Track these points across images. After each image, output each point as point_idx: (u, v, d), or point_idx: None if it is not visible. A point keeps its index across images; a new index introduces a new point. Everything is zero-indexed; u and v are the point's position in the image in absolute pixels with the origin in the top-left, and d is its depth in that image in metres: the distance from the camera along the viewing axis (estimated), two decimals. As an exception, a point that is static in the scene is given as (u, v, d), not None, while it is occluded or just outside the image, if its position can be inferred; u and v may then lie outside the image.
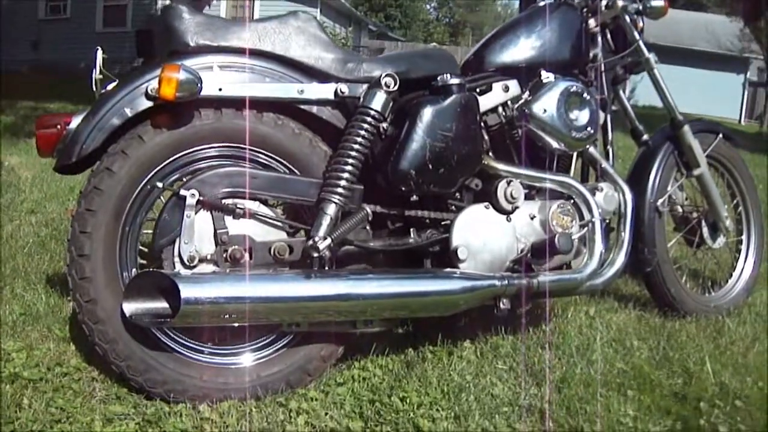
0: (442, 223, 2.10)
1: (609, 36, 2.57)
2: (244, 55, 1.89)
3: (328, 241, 1.83)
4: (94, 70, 1.97)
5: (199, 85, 1.76)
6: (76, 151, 1.79)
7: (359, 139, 1.90)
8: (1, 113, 7.92)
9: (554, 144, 2.19)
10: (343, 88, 1.96)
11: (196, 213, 1.81)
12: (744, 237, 2.93)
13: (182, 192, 1.80)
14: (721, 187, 2.87)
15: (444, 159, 1.97)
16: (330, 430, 1.76)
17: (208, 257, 1.84)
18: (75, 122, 1.86)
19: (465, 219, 2.07)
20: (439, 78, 2.02)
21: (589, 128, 2.22)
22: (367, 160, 1.95)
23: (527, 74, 2.25)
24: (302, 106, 1.95)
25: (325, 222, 1.85)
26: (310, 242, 1.83)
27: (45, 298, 2.48)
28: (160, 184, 1.83)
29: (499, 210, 2.12)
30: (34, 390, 1.85)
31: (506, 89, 2.21)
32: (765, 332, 2.56)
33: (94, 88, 1.96)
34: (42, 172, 4.84)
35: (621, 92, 2.70)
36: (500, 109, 2.22)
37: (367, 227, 2.00)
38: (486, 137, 2.18)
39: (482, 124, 2.15)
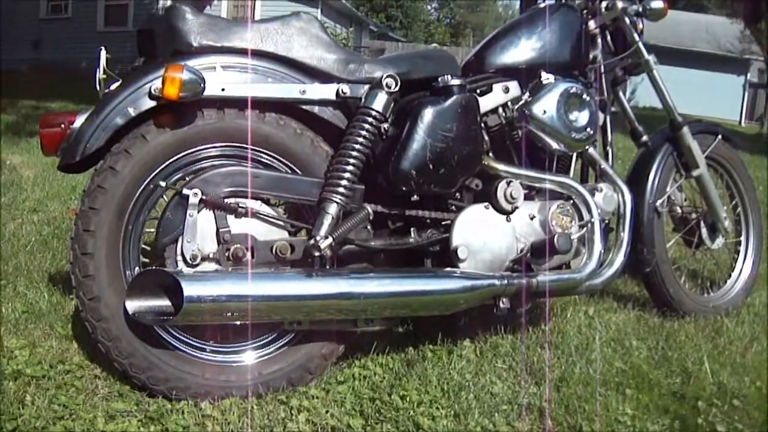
0: (443, 222, 2.11)
1: (609, 37, 2.58)
2: (247, 56, 1.90)
3: (330, 240, 1.84)
4: (97, 70, 1.98)
5: (202, 85, 1.77)
6: (80, 150, 1.80)
7: (361, 140, 1.91)
8: (2, 112, 7.92)
9: (554, 145, 2.20)
10: (345, 88, 1.97)
11: (198, 212, 1.83)
12: (743, 238, 2.94)
13: (185, 191, 1.81)
14: (720, 188, 2.88)
15: (444, 159, 1.98)
16: (331, 428, 1.77)
17: (211, 256, 1.85)
18: (79, 121, 1.88)
19: (465, 219, 2.09)
20: (440, 79, 2.03)
21: (588, 129, 2.23)
22: (368, 160, 1.96)
23: (527, 75, 2.26)
24: (304, 107, 1.97)
25: (327, 221, 1.86)
26: (312, 241, 1.84)
27: (47, 296, 2.49)
28: (163, 183, 1.84)
29: (499, 210, 2.13)
30: (37, 387, 1.86)
31: (506, 90, 2.22)
32: (763, 332, 2.57)
33: (98, 88, 1.97)
34: (44, 171, 4.85)
35: (621, 93, 2.71)
36: (500, 109, 2.22)
37: (368, 227, 2.01)
38: (486, 138, 2.19)
39: (482, 124, 2.15)
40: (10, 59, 15.16)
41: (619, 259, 2.29)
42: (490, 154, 2.20)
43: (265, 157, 1.93)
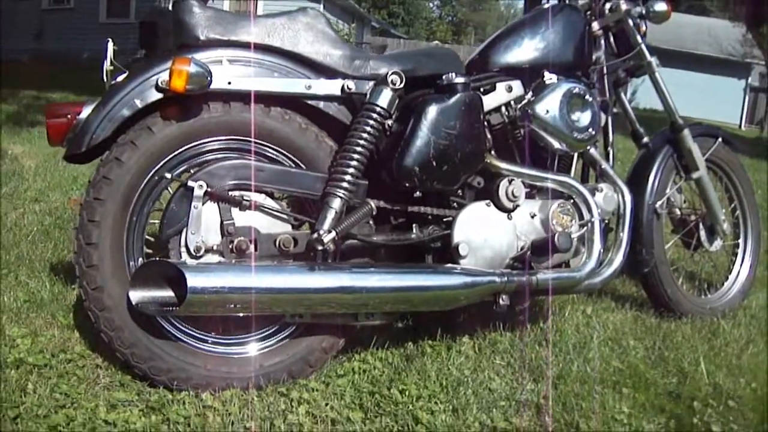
0: (444, 219, 2.13)
1: (612, 39, 2.59)
2: (253, 50, 1.91)
3: (333, 234, 1.86)
4: (105, 61, 1.99)
5: (208, 78, 1.78)
6: (86, 141, 1.81)
7: (365, 135, 1.93)
8: (4, 102, 7.91)
9: (556, 144, 2.22)
10: (350, 84, 1.98)
11: (203, 204, 1.84)
12: (741, 240, 2.95)
13: (190, 183, 1.82)
14: (720, 191, 2.90)
15: (447, 156, 2.00)
16: (330, 420, 1.79)
17: (214, 248, 1.87)
18: (85, 112, 1.89)
19: (467, 216, 2.10)
20: (444, 77, 2.05)
21: (590, 130, 2.24)
22: (372, 156, 1.97)
23: (530, 75, 2.27)
24: (309, 102, 1.98)
25: (330, 216, 1.88)
26: (315, 235, 1.86)
27: (49, 285, 2.51)
28: (168, 175, 1.86)
29: (501, 208, 2.15)
30: (39, 376, 1.87)
31: (509, 89, 2.23)
32: (759, 335, 2.59)
33: (105, 79, 1.98)
34: (45, 161, 4.86)
35: (622, 95, 2.72)
36: (503, 108, 2.23)
37: (371, 222, 2.02)
38: (489, 136, 2.20)
39: (485, 123, 2.17)
40: (12, 49, 15.12)
41: (618, 259, 2.31)
42: (493, 153, 2.21)
43: (270, 150, 1.94)
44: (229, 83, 1.87)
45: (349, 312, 1.95)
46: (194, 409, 1.79)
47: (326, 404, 1.86)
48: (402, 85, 1.97)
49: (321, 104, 1.99)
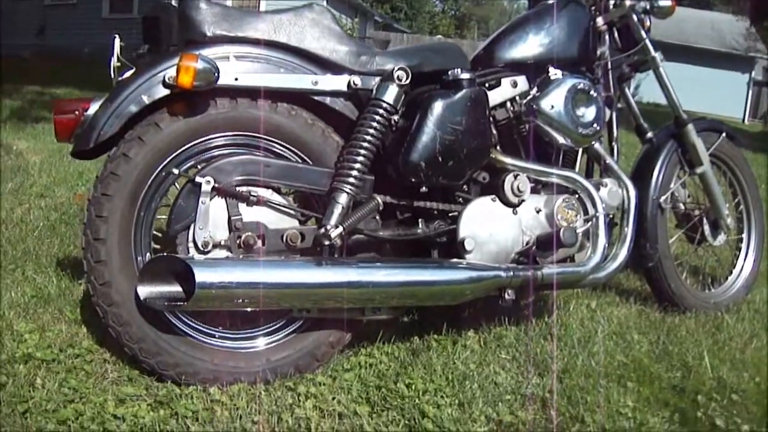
0: (450, 214, 2.13)
1: (616, 34, 2.59)
2: (260, 46, 1.92)
3: (340, 229, 1.87)
4: (111, 58, 2.00)
5: (216, 74, 1.79)
6: (94, 137, 1.82)
7: (371, 131, 1.94)
8: (7, 98, 7.91)
9: (561, 139, 2.22)
10: (356, 80, 1.99)
11: (210, 199, 1.85)
12: (744, 235, 2.95)
13: (197, 179, 1.83)
14: (723, 186, 2.90)
15: (453, 152, 2.00)
16: (338, 414, 1.80)
17: (222, 243, 1.88)
18: (93, 108, 1.90)
19: (472, 211, 2.11)
20: (450, 72, 2.05)
21: (595, 125, 2.25)
22: (378, 152, 1.98)
23: (535, 70, 2.28)
24: (316, 97, 1.98)
25: (337, 211, 1.89)
26: (322, 230, 1.87)
27: (56, 281, 2.52)
28: (175, 171, 1.87)
29: (506, 203, 2.16)
30: (47, 370, 1.89)
31: (515, 85, 2.24)
32: (763, 329, 2.60)
33: (112, 75, 1.99)
34: (50, 156, 4.86)
35: (626, 90, 2.73)
36: (508, 104, 2.24)
37: (377, 217, 2.03)
38: (494, 131, 2.21)
39: (491, 118, 2.17)
40: (14, 45, 15.12)
41: (623, 253, 2.32)
42: (498, 148, 2.22)
43: (277, 146, 1.95)
44: (236, 79, 1.88)
45: (355, 307, 1.96)
46: (202, 404, 1.81)
47: (333, 398, 1.87)
48: (408, 81, 1.97)
49: (327, 100, 2.00)
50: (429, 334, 2.27)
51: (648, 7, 2.57)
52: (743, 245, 2.96)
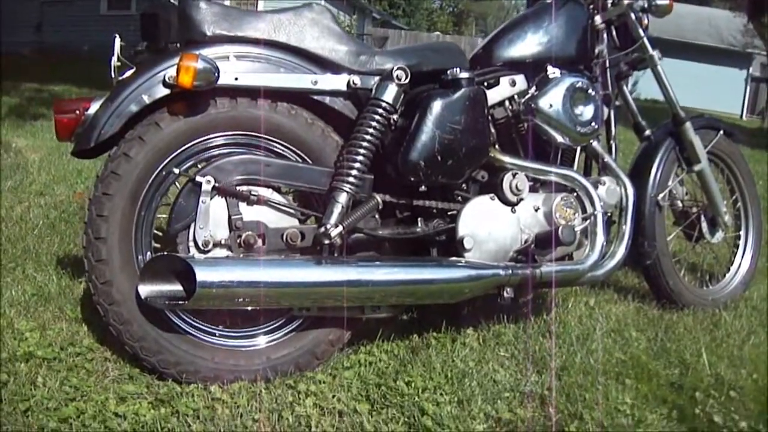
0: (449, 213, 2.14)
1: (614, 32, 2.59)
2: (260, 46, 1.93)
3: (340, 228, 1.88)
4: (112, 57, 2.01)
5: (216, 74, 1.80)
6: (95, 136, 1.82)
7: (370, 130, 1.94)
8: (6, 95, 7.90)
9: (559, 138, 2.23)
10: (356, 79, 2.00)
11: (211, 199, 1.86)
12: (742, 232, 2.97)
13: (198, 178, 1.84)
14: (721, 183, 2.91)
15: (452, 151, 2.01)
16: (337, 412, 1.81)
17: (222, 242, 1.89)
18: (93, 108, 1.91)
19: (471, 209, 2.12)
20: (448, 72, 2.06)
21: (593, 123, 2.26)
22: (377, 151, 1.99)
23: (534, 69, 2.28)
24: (315, 97, 1.99)
25: (337, 210, 1.90)
26: (322, 229, 1.88)
27: (56, 279, 2.52)
28: (176, 170, 1.87)
29: (505, 201, 2.17)
30: (48, 369, 1.89)
31: (513, 84, 2.24)
32: (761, 326, 2.61)
33: (112, 75, 1.99)
34: (49, 154, 4.85)
35: (624, 88, 2.73)
36: (507, 103, 2.25)
37: (377, 216, 2.04)
38: (493, 130, 2.22)
39: (489, 117, 2.18)
40: (12, 42, 15.08)
41: (621, 251, 2.33)
42: (497, 147, 2.23)
43: (277, 145, 1.96)
44: (236, 79, 1.88)
45: (355, 305, 1.97)
46: (203, 402, 1.81)
47: (333, 396, 1.87)
48: (407, 80, 1.98)
49: (327, 99, 2.01)
50: (428, 332, 2.28)
51: (645, 5, 2.57)
52: (741, 242, 2.97)
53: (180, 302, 1.76)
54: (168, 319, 1.89)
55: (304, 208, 2.01)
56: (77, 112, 1.93)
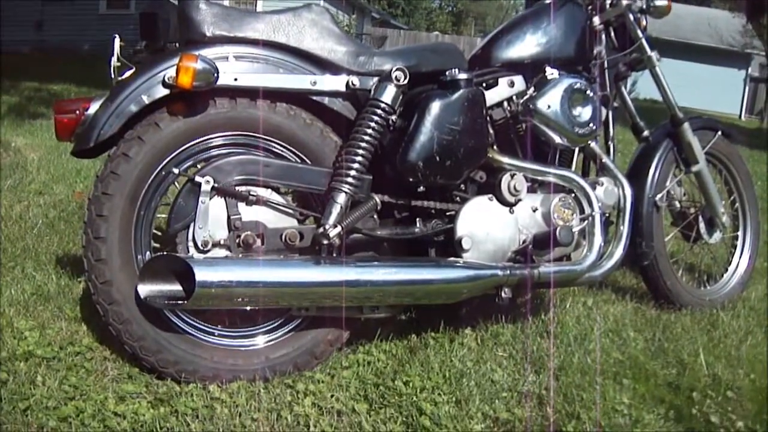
0: (447, 213, 2.15)
1: (612, 33, 2.59)
2: (259, 47, 1.93)
3: (338, 228, 1.89)
4: (111, 58, 2.01)
5: (215, 74, 1.80)
6: (94, 136, 1.83)
7: (369, 131, 1.95)
8: (5, 94, 7.90)
9: (557, 139, 2.24)
10: (355, 80, 2.00)
11: (210, 199, 1.86)
12: (740, 233, 2.97)
13: (197, 178, 1.85)
14: (719, 184, 2.91)
15: (451, 151, 2.02)
16: (336, 412, 1.81)
17: (221, 242, 1.89)
18: (93, 108, 1.91)
19: (469, 210, 2.12)
20: (447, 72, 2.07)
21: (591, 124, 2.26)
22: (376, 151, 1.99)
23: (532, 70, 2.29)
24: (314, 98, 2.00)
25: (336, 210, 1.90)
26: (321, 230, 1.88)
27: (55, 278, 2.53)
28: (175, 170, 1.88)
29: (503, 202, 2.17)
30: (48, 368, 1.90)
31: (512, 84, 2.25)
32: (758, 326, 2.61)
33: (112, 75, 2.00)
34: (48, 153, 4.85)
35: (623, 88, 2.73)
36: (505, 103, 2.25)
37: (375, 216, 2.05)
38: (491, 131, 2.22)
39: (488, 118, 2.18)
40: (12, 40, 15.09)
41: (619, 251, 2.33)
42: (495, 147, 2.23)
43: (276, 146, 1.96)
44: (236, 79, 1.89)
45: (353, 305, 1.98)
46: (202, 401, 1.82)
47: (332, 396, 1.88)
48: (406, 81, 1.99)
49: (326, 100, 2.01)
50: (426, 332, 2.28)
51: (644, 6, 2.57)
52: (739, 243, 2.97)
53: (179, 302, 1.77)
54: (167, 319, 1.90)
55: (303, 208, 2.01)
56: (77, 112, 1.94)
